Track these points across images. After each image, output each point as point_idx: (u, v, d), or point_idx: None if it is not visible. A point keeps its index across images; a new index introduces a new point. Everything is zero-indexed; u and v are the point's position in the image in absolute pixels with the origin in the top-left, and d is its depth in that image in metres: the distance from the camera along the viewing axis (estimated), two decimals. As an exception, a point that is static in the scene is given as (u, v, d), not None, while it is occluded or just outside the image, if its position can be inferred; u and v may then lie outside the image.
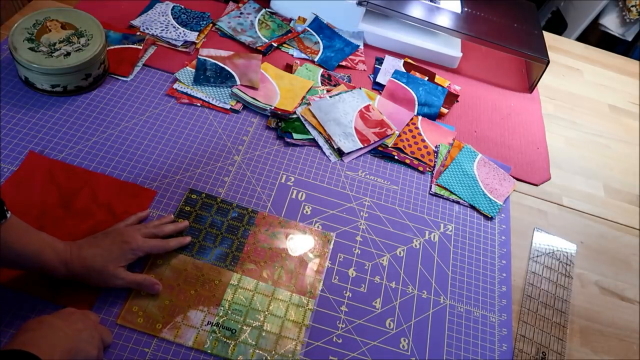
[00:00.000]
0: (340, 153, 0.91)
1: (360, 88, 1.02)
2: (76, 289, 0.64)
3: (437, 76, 1.12)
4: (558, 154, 1.06)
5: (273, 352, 0.66)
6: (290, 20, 1.15)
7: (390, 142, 0.95)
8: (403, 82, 1.06)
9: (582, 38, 2.06)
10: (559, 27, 2.18)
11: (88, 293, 0.65)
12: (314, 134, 0.92)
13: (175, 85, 0.92)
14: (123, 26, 1.00)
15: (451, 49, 1.17)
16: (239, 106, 0.93)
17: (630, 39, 2.06)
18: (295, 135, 0.90)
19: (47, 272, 0.61)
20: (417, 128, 0.98)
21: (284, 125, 0.92)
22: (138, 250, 0.66)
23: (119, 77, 0.91)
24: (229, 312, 0.68)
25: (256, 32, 1.08)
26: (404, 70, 1.10)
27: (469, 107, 1.10)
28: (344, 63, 1.09)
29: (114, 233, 0.67)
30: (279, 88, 0.96)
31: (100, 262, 0.63)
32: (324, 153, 0.91)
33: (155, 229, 0.70)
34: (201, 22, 1.05)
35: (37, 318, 0.54)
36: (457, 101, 1.09)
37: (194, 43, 1.01)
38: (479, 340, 0.74)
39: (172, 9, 1.05)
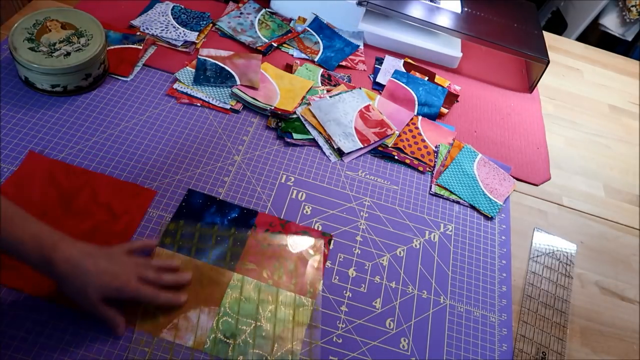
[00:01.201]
0: (340, 153, 0.91)
1: (360, 88, 1.01)
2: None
3: (437, 76, 1.11)
4: (558, 154, 1.06)
5: (273, 352, 0.66)
6: (290, 20, 1.15)
7: (390, 142, 0.95)
8: (403, 82, 1.06)
9: (582, 38, 2.06)
10: (559, 27, 2.18)
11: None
12: (314, 134, 0.92)
13: (175, 85, 0.92)
14: (123, 26, 1.00)
15: (451, 49, 1.17)
16: (239, 106, 0.93)
17: (630, 39, 2.06)
18: (295, 135, 0.90)
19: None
20: (417, 128, 0.98)
21: (284, 125, 0.92)
22: (125, 293, 0.61)
23: (119, 77, 0.91)
24: (229, 312, 0.68)
25: (256, 32, 1.08)
26: (404, 70, 1.10)
27: (469, 107, 1.10)
28: (344, 63, 1.09)
29: (114, 259, 0.62)
30: (279, 88, 0.96)
31: (82, 278, 0.58)
32: (324, 153, 0.91)
33: (155, 274, 0.65)
34: (201, 22, 1.05)
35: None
36: (457, 101, 1.09)
37: (194, 43, 1.01)
38: (479, 340, 0.74)
39: (172, 9, 1.05)
